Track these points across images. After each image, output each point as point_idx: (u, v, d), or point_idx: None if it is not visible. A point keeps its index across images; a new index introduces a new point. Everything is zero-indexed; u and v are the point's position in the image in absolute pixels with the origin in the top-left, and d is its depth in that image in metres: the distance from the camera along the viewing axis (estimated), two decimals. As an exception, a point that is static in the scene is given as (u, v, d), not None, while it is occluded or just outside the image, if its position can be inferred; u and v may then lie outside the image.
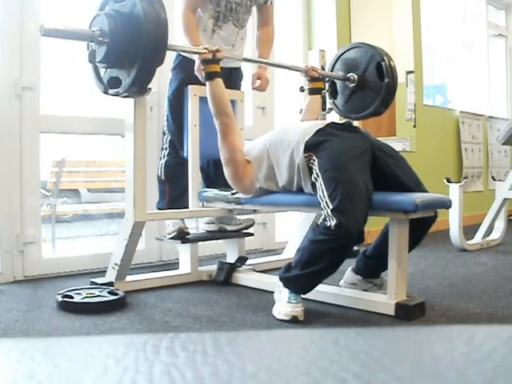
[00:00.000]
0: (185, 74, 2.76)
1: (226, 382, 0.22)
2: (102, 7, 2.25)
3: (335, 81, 3.16)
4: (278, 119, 3.92)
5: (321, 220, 2.09)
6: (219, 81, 2.43)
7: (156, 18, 2.11)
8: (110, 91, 2.25)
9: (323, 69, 3.14)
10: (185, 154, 2.79)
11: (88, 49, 2.19)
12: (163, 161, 2.90)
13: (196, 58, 2.61)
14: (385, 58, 2.97)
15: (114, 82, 2.22)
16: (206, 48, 2.41)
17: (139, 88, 2.22)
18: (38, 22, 2.86)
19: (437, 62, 6.14)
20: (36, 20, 2.85)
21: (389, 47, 4.63)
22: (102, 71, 2.29)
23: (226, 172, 2.47)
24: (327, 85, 3.12)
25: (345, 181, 2.05)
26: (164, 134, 2.92)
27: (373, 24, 4.49)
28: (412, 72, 4.71)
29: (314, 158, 2.17)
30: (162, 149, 2.91)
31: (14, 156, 2.78)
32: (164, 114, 2.93)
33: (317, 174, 2.14)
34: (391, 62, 2.99)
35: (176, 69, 2.85)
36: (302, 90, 2.98)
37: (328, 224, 2.00)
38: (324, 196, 2.07)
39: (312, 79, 2.88)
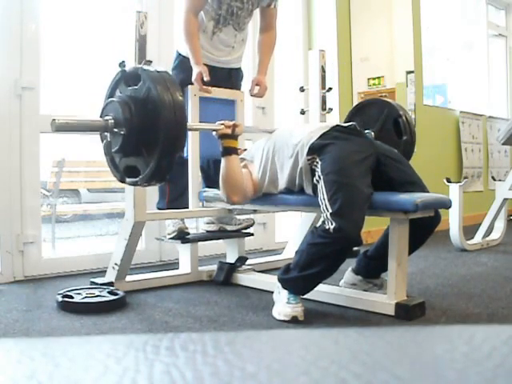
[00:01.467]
0: (185, 74, 2.75)
1: (225, 382, 0.22)
2: (112, 92, 2.10)
3: None
4: (278, 119, 3.92)
5: (320, 223, 2.09)
6: (236, 158, 2.33)
7: (173, 102, 1.93)
8: (128, 180, 2.09)
9: (323, 70, 3.12)
10: (185, 154, 2.79)
11: (102, 140, 2.09)
12: (163, 161, 2.89)
13: (193, 61, 2.62)
14: (401, 113, 2.83)
15: (131, 171, 2.05)
16: (222, 124, 2.33)
17: (160, 178, 2.05)
18: (38, 23, 2.87)
19: (437, 62, 6.14)
20: (36, 20, 2.86)
21: (389, 47, 4.65)
22: (117, 159, 2.12)
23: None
24: None
25: (346, 185, 2.05)
26: (164, 134, 2.92)
27: (373, 24, 4.48)
28: (412, 72, 4.71)
29: (318, 160, 2.17)
30: (162, 149, 2.91)
31: (14, 156, 2.78)
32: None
33: (319, 177, 2.14)
34: (408, 117, 2.86)
35: (176, 69, 2.84)
36: (301, 89, 2.97)
37: (327, 227, 2.01)
38: (324, 199, 2.07)
39: None
